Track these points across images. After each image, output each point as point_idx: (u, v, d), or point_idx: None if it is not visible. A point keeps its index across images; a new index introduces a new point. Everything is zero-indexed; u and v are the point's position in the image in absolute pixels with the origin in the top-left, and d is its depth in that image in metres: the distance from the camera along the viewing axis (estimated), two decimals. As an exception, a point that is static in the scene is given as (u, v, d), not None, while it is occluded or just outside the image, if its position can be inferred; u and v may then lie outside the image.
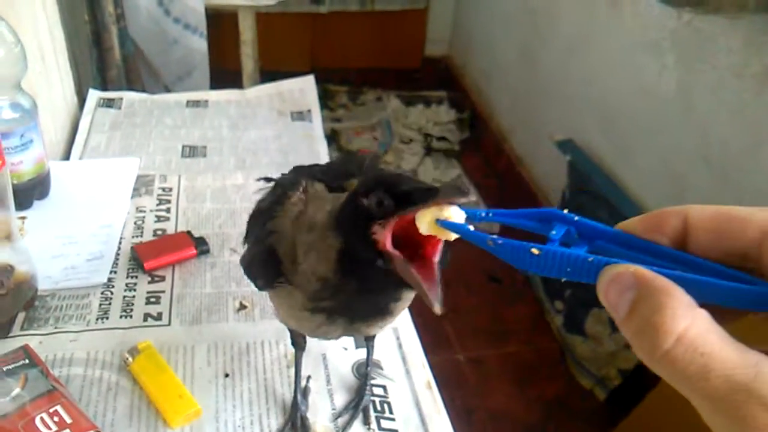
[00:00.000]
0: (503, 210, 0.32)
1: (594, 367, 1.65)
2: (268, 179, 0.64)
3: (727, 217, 0.27)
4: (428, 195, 0.38)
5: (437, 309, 0.38)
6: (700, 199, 1.42)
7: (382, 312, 0.52)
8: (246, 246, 0.61)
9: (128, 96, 1.28)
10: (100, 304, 0.74)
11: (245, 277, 0.78)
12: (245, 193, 0.96)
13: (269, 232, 0.54)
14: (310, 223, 0.51)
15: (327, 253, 0.47)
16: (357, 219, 0.43)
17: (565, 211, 0.30)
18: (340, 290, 0.49)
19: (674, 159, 1.53)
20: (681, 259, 0.27)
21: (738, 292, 0.25)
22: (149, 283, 0.78)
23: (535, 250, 0.28)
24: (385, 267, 0.42)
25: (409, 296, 0.53)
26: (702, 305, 0.24)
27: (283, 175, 0.63)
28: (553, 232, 0.29)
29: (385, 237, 0.41)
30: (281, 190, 0.57)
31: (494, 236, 0.29)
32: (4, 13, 0.81)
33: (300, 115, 1.27)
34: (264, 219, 0.56)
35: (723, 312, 0.25)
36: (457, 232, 0.35)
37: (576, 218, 0.29)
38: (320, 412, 0.65)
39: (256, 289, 0.77)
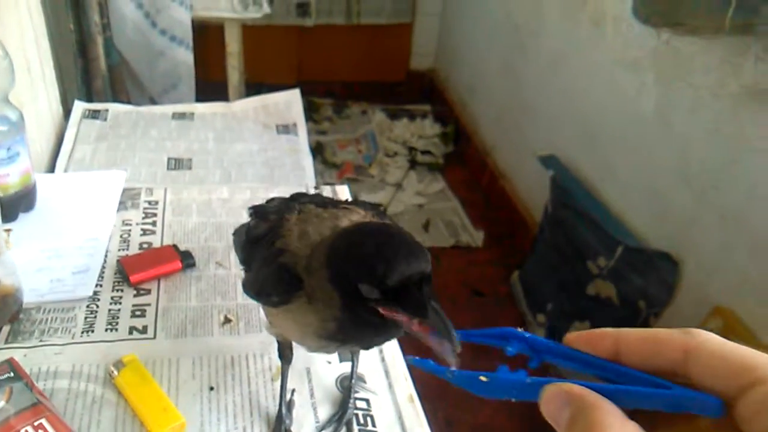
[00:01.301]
0: (469, 330, 0.38)
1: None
2: (256, 210, 0.66)
3: (652, 340, 0.30)
4: (417, 312, 0.42)
5: (455, 351, 0.41)
6: (681, 216, 1.45)
7: (392, 337, 0.54)
8: (249, 271, 0.62)
9: (114, 107, 1.28)
10: (86, 318, 0.74)
11: (230, 291, 0.80)
12: (231, 206, 0.96)
13: (279, 250, 0.55)
14: (311, 263, 0.52)
15: (332, 300, 0.49)
16: (353, 295, 0.46)
17: (520, 329, 0.34)
18: (351, 327, 0.51)
19: (654, 175, 1.56)
20: (615, 369, 0.31)
21: (659, 397, 0.28)
22: (135, 296, 0.78)
23: (483, 378, 0.32)
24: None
25: None
26: (636, 410, 0.28)
27: (267, 202, 0.66)
28: (510, 348, 0.34)
29: (383, 310, 0.45)
30: (276, 216, 0.59)
31: (452, 369, 0.34)
32: (-8, 27, 0.81)
33: (285, 129, 1.29)
34: (268, 242, 0.57)
35: (657, 417, 0.29)
36: (420, 368, 0.38)
37: (528, 336, 0.34)
38: (304, 425, 0.65)
39: (241, 303, 0.78)
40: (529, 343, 0.34)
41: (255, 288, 0.60)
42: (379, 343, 0.57)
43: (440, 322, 0.42)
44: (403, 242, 0.45)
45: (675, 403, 0.28)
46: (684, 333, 0.29)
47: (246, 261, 0.64)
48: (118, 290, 0.79)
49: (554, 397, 0.29)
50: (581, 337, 0.32)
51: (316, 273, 0.51)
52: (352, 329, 0.51)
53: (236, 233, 0.69)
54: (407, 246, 0.45)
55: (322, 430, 0.65)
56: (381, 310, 0.45)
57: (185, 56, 1.80)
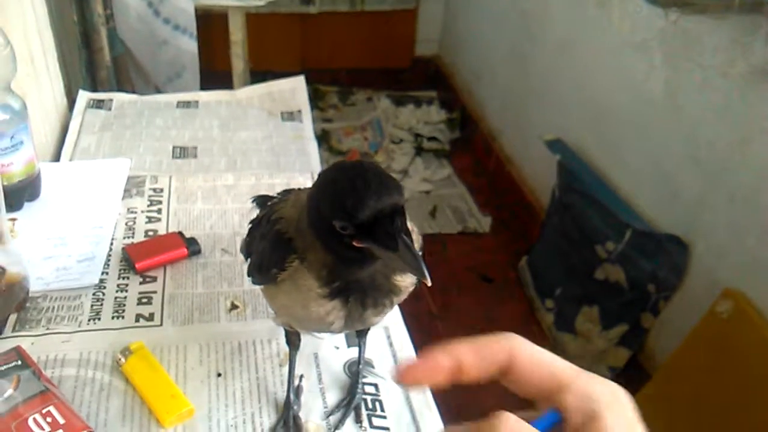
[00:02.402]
0: None
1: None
2: (258, 198, 0.66)
3: (483, 349, 0.32)
4: (388, 244, 0.44)
5: (428, 281, 0.42)
6: (691, 198, 1.44)
7: (388, 289, 0.54)
8: (251, 257, 0.62)
9: (118, 97, 1.28)
10: (92, 305, 0.74)
11: (237, 277, 0.80)
12: (236, 193, 0.96)
13: (275, 221, 0.56)
14: (300, 220, 0.53)
15: (316, 245, 0.51)
16: (329, 232, 0.47)
17: None
18: (341, 269, 0.51)
19: (663, 157, 1.55)
20: None
21: None
22: (141, 283, 0.78)
23: None
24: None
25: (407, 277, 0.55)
26: None
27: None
28: None
29: (357, 243, 0.46)
30: (278, 198, 0.61)
31: None
32: (-7, 16, 0.81)
33: (290, 116, 1.28)
34: (266, 218, 0.58)
35: None
36: None
37: None
38: (312, 411, 0.65)
39: (247, 289, 0.78)
40: None
41: (256, 264, 0.59)
42: (378, 294, 0.54)
43: (409, 255, 0.43)
44: (375, 176, 0.46)
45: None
46: (506, 338, 0.32)
47: (248, 248, 0.63)
48: (124, 278, 0.79)
49: None
50: (415, 372, 0.32)
51: (301, 226, 0.52)
52: (344, 271, 0.51)
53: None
54: (378, 180, 0.46)
55: (330, 415, 0.65)
56: (355, 243, 0.46)
57: (189, 45, 1.79)
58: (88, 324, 0.72)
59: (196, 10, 1.78)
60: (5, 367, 0.61)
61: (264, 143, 1.18)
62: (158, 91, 1.78)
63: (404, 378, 0.33)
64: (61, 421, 0.57)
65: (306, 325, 0.61)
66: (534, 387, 0.32)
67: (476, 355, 0.32)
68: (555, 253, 1.86)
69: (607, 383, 0.31)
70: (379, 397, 0.67)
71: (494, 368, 0.32)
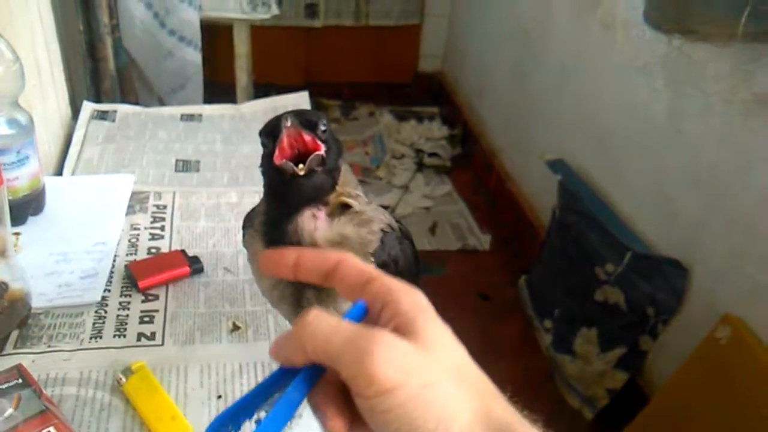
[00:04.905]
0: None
1: (582, 386, 1.66)
2: None
3: (318, 256, 0.40)
4: (276, 133, 0.53)
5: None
6: (691, 222, 1.44)
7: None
8: None
9: (122, 108, 1.28)
10: (94, 323, 0.74)
11: (239, 297, 0.80)
12: (239, 211, 0.96)
13: None
14: None
15: (264, 188, 0.60)
16: (264, 156, 0.57)
17: None
18: (273, 219, 0.58)
19: (664, 181, 1.55)
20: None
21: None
22: (143, 301, 0.78)
23: None
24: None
25: None
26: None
27: None
28: None
29: (276, 157, 0.53)
30: None
31: None
32: (2, 30, 0.81)
33: (294, 132, 1.28)
34: None
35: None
36: None
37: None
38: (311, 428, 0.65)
39: (249, 310, 0.78)
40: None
41: None
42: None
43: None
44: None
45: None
46: (339, 253, 0.40)
47: None
48: (126, 295, 0.78)
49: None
50: (270, 260, 0.41)
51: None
52: (276, 217, 0.58)
53: None
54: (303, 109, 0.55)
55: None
56: (274, 159, 0.53)
57: (193, 56, 1.80)
58: (89, 342, 0.71)
59: (202, 22, 1.79)
60: (6, 385, 0.60)
61: (267, 159, 1.18)
62: (161, 102, 1.79)
63: (262, 267, 0.42)
64: (61, 442, 0.57)
65: (273, 305, 0.65)
66: (350, 284, 0.38)
67: (314, 256, 0.40)
68: (554, 273, 1.86)
69: (407, 284, 0.37)
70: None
71: (325, 267, 0.39)
